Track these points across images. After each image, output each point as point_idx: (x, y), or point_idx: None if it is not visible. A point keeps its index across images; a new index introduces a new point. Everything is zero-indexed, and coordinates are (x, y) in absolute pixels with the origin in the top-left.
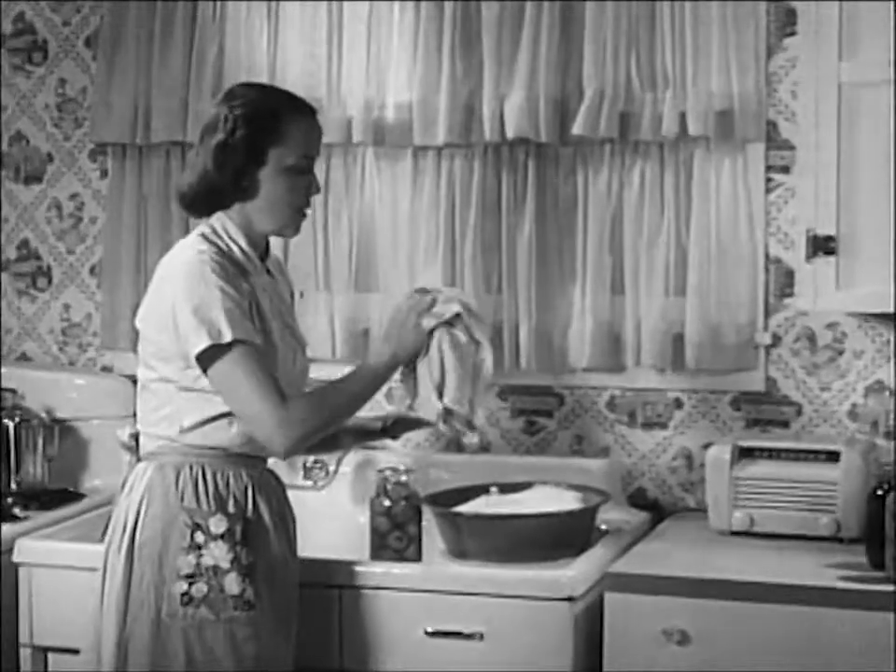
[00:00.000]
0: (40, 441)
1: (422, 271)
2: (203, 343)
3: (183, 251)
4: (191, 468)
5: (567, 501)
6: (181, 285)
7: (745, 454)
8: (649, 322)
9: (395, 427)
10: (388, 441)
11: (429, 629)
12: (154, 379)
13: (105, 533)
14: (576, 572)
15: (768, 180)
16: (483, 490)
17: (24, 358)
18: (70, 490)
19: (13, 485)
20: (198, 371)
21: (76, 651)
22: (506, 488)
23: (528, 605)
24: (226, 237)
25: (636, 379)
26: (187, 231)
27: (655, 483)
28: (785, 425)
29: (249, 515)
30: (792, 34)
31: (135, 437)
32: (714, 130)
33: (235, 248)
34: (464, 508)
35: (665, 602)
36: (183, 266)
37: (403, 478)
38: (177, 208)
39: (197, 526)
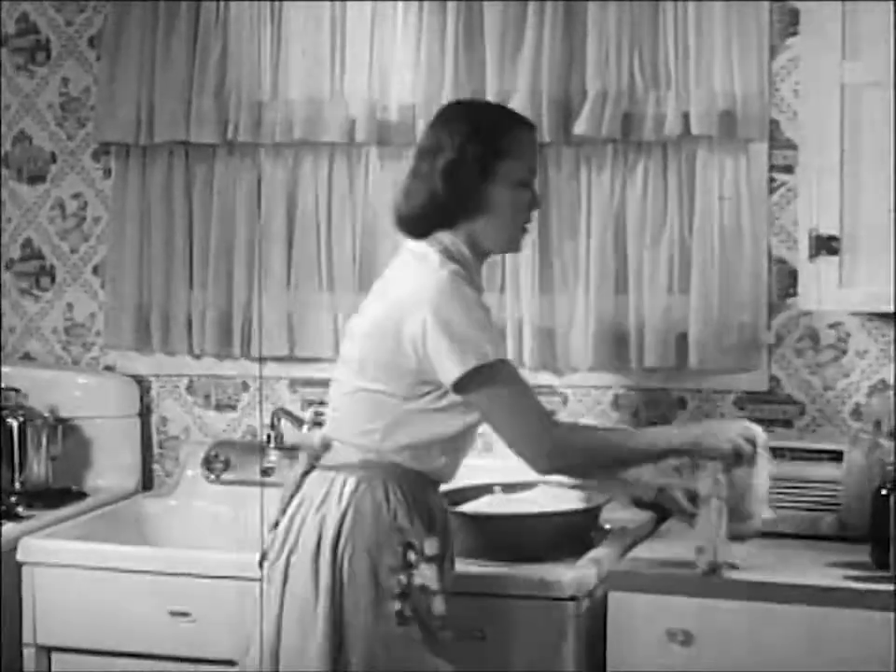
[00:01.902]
0: (44, 441)
1: None
2: (469, 364)
3: (428, 269)
4: (400, 486)
5: (570, 500)
6: (436, 304)
7: None
8: (652, 321)
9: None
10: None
11: None
12: (375, 391)
13: (277, 540)
14: (579, 572)
15: (771, 180)
16: (486, 489)
17: (28, 358)
18: (74, 489)
19: (17, 484)
20: (428, 388)
21: (79, 651)
22: (509, 487)
23: (531, 604)
24: (460, 257)
25: (639, 378)
26: (190, 231)
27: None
28: (788, 424)
29: (450, 538)
30: (795, 33)
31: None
32: (717, 129)
33: (469, 268)
34: (467, 507)
35: (669, 602)
36: (436, 284)
37: None
38: (181, 208)
39: (409, 546)
